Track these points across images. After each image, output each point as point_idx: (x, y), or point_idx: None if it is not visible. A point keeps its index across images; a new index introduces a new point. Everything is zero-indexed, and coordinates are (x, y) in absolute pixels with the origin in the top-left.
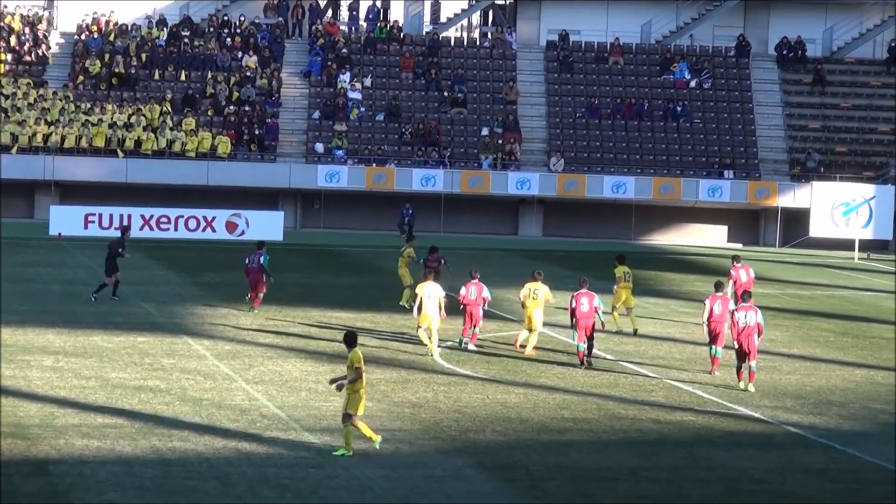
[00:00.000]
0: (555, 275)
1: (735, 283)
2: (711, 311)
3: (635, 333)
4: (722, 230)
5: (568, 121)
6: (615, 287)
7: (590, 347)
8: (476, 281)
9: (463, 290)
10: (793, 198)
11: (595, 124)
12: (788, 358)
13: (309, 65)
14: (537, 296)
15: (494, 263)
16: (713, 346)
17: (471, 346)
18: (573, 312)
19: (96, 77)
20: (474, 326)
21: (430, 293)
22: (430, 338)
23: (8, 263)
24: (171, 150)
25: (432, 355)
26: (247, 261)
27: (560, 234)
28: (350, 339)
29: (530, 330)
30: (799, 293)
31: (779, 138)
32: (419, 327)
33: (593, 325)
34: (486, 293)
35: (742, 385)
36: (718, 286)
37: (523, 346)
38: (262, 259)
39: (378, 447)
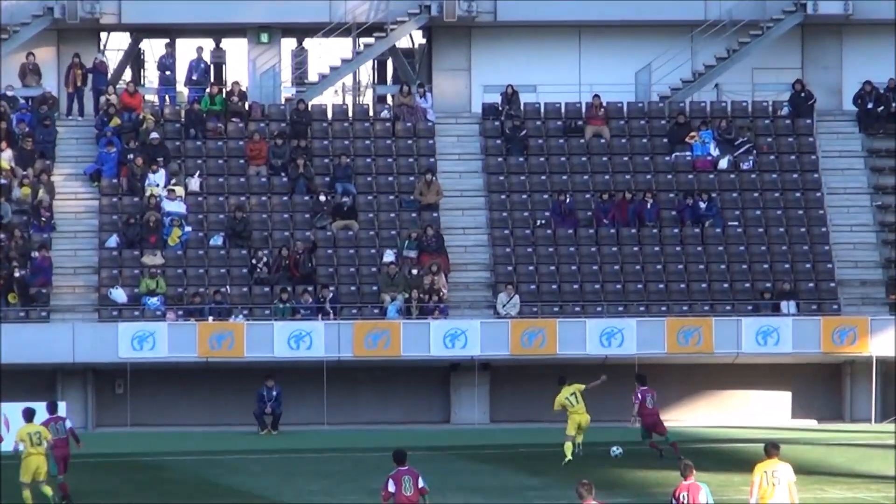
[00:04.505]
0: (518, 484)
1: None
2: None
3: None
4: (783, 398)
5: (523, 232)
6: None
7: None
8: (407, 468)
9: (391, 486)
10: (893, 341)
11: (568, 236)
12: None
13: (98, 160)
14: (778, 480)
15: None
16: None
17: None
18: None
19: None
20: None
21: None
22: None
23: None
24: None
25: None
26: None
27: (516, 417)
28: None
29: None
30: None
31: (867, 246)
32: None
33: None
34: (421, 482)
35: None
36: None
37: None
38: (67, 423)
39: None
